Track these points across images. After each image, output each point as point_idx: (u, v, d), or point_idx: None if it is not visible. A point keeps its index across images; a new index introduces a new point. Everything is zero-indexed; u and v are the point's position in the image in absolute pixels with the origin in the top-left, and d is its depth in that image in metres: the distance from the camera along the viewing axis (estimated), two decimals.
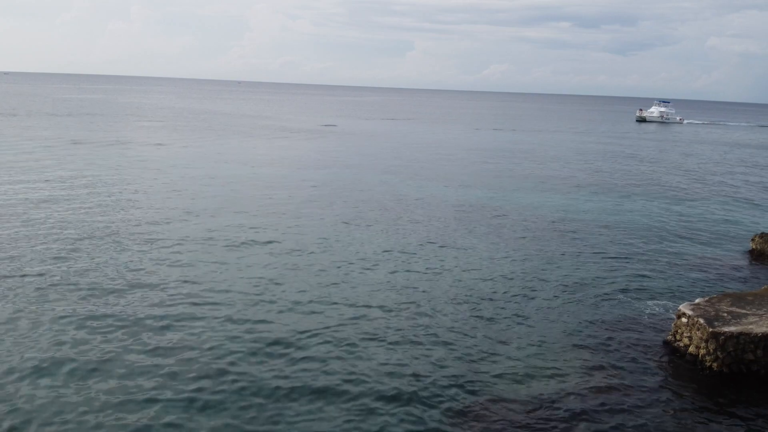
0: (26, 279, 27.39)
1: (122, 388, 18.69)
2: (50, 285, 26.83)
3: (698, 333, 22.24)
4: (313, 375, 20.06)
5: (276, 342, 22.30)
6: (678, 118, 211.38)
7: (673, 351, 23.13)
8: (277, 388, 19.14)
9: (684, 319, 23.13)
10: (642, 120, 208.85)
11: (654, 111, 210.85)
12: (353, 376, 20.12)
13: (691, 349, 22.51)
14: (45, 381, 18.95)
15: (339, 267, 31.32)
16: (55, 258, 30.48)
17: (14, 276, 27.70)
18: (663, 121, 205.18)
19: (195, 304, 25.51)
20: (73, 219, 38.32)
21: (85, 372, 19.51)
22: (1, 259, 29.96)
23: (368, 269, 31.28)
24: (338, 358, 21.37)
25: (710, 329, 21.69)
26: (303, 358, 21.15)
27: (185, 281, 28.11)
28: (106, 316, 23.85)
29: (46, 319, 23.33)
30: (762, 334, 21.23)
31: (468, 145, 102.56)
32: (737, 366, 21.32)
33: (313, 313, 25.22)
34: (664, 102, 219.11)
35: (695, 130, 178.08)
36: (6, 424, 16.63)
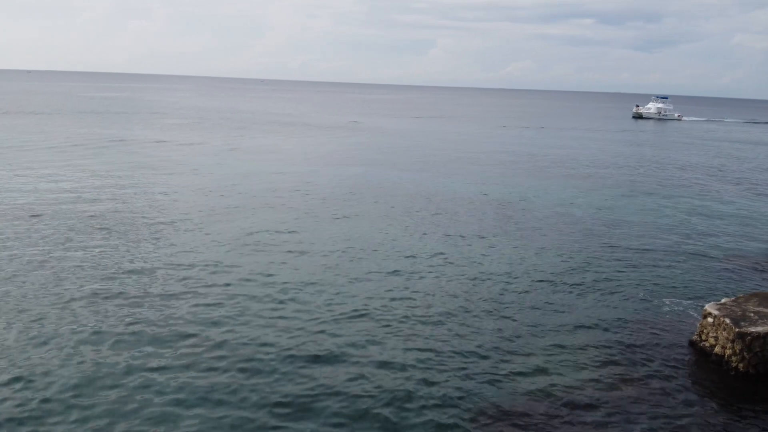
0: (80, 268, 27.96)
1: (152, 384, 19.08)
2: (95, 280, 27.36)
3: (724, 333, 22.09)
4: (331, 370, 20.27)
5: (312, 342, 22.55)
6: (676, 115, 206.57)
7: (698, 351, 22.98)
8: (305, 394, 19.38)
9: (710, 319, 22.97)
10: (638, 116, 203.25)
11: (651, 107, 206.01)
12: (372, 372, 20.31)
13: (717, 349, 22.36)
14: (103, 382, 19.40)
15: (370, 263, 31.54)
16: (101, 252, 31.04)
17: (65, 266, 28.28)
18: (660, 118, 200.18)
19: (242, 299, 25.89)
20: (123, 215, 38.94)
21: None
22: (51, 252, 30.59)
23: (391, 266, 31.39)
24: (360, 355, 21.54)
25: (736, 329, 21.52)
26: (328, 355, 21.37)
27: (229, 276, 28.49)
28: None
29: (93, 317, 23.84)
30: None
31: (497, 142, 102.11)
32: (764, 367, 21.11)
33: (338, 304, 25.46)
34: (662, 98, 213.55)
35: (699, 127, 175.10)
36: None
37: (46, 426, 16.76)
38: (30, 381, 18.85)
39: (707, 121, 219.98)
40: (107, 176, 53.28)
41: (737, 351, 21.46)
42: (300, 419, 17.59)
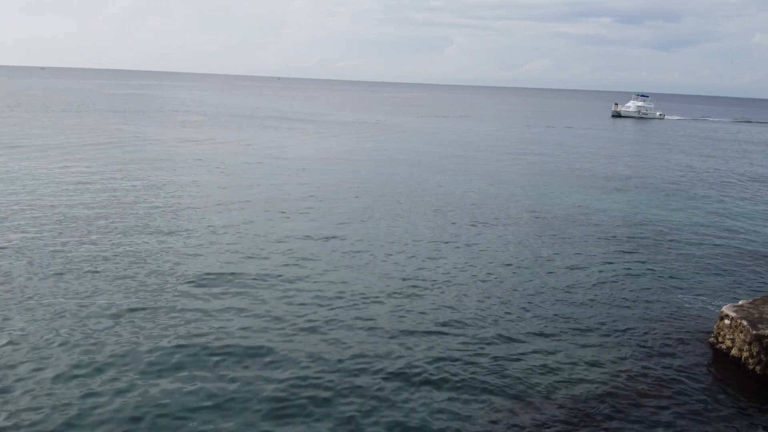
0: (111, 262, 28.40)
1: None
2: (119, 277, 27.78)
3: (741, 335, 21.99)
4: (335, 366, 20.45)
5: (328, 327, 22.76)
6: (658, 113, 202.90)
7: (715, 353, 22.90)
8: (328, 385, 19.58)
9: (726, 321, 22.88)
10: (617, 115, 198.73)
11: (631, 106, 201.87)
12: (385, 367, 20.47)
13: (734, 351, 22.26)
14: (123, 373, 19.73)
15: (389, 260, 31.74)
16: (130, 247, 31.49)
17: (92, 260, 28.71)
18: (640, 117, 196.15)
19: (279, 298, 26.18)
20: (160, 213, 39.44)
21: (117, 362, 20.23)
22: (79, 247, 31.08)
23: (414, 263, 31.56)
24: (375, 351, 21.71)
25: (754, 332, 21.42)
26: (346, 346, 21.56)
27: (261, 271, 28.82)
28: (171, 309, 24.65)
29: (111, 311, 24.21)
30: None
31: (525, 141, 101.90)
32: None
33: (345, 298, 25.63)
34: (643, 96, 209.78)
35: (682, 126, 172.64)
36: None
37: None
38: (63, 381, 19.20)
39: (692, 120, 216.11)
40: (130, 173, 53.89)
41: (754, 353, 21.36)
42: (298, 415, 17.79)
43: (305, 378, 19.65)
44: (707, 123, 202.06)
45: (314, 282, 28.44)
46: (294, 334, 22.76)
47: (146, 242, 33.20)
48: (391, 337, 22.93)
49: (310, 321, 24.02)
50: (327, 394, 18.82)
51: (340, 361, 20.89)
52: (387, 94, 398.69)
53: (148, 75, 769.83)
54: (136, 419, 17.06)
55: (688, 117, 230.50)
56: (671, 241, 39.27)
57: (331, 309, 25.33)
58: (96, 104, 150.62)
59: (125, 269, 28.82)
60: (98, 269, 28.64)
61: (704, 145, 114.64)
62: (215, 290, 26.74)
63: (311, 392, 18.85)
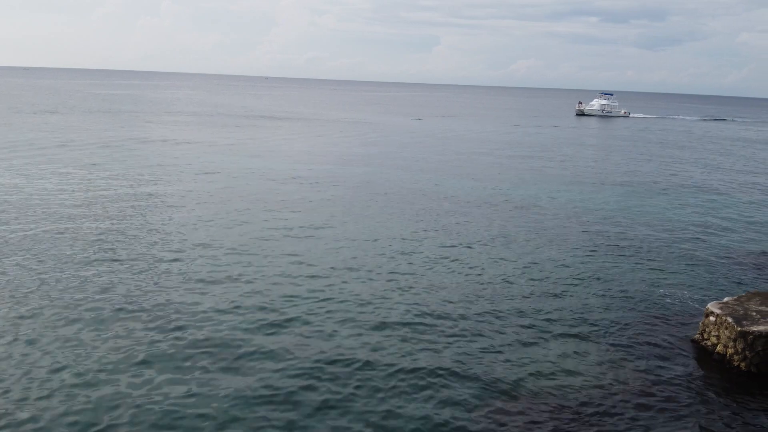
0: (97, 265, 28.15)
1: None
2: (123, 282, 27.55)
3: (726, 332, 22.11)
4: (336, 370, 20.38)
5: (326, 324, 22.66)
6: (622, 111, 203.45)
7: (700, 350, 23.00)
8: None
9: (712, 318, 22.99)
10: (581, 114, 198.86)
11: (594, 104, 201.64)
12: (379, 369, 20.41)
13: (719, 348, 22.38)
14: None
15: (383, 260, 31.68)
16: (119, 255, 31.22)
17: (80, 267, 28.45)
18: (604, 115, 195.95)
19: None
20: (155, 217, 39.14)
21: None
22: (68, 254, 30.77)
23: (399, 266, 31.52)
24: (365, 352, 21.66)
25: (738, 328, 21.54)
26: (328, 348, 21.50)
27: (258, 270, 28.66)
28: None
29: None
30: None
31: (515, 142, 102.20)
32: (765, 366, 21.11)
33: (336, 302, 25.55)
34: (607, 94, 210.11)
35: (645, 123, 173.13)
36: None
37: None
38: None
39: (657, 117, 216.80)
40: (123, 177, 53.49)
41: (739, 350, 21.48)
42: (296, 413, 17.71)
43: (283, 370, 19.61)
44: (672, 120, 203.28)
45: (294, 277, 28.37)
46: (278, 331, 22.69)
47: (120, 241, 32.98)
48: (373, 334, 22.93)
49: (285, 315, 23.97)
50: (302, 390, 18.77)
51: (320, 359, 20.84)
52: (375, 93, 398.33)
53: (136, 75, 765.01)
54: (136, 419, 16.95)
55: (653, 115, 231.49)
56: (655, 238, 39.45)
57: (316, 305, 25.27)
58: (82, 105, 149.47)
59: (106, 269, 28.61)
60: (83, 271, 28.42)
61: (645, 141, 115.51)
62: (199, 286, 26.61)
63: (289, 385, 18.80)
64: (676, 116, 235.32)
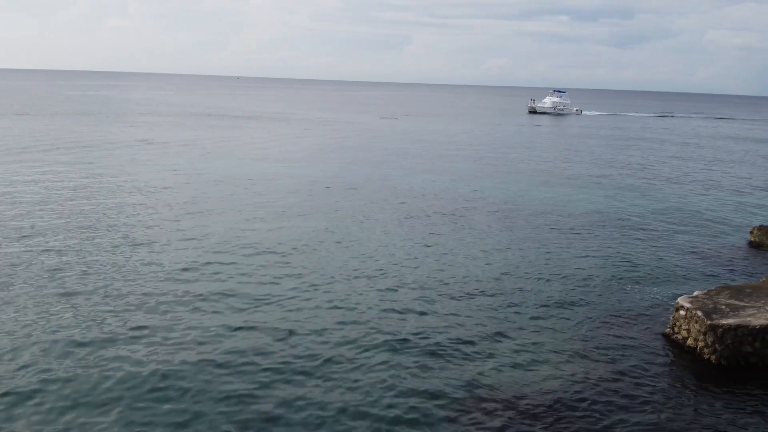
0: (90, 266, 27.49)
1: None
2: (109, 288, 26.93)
3: (696, 325, 22.25)
4: (300, 373, 20.12)
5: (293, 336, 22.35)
6: (574, 109, 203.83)
7: (671, 343, 23.13)
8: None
9: (682, 312, 23.13)
10: (533, 111, 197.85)
11: (546, 102, 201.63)
12: (358, 368, 20.20)
13: (690, 341, 22.52)
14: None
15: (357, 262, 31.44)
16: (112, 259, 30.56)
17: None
18: (556, 113, 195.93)
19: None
20: (135, 220, 38.37)
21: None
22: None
23: (375, 264, 31.32)
24: (340, 354, 21.41)
25: (708, 322, 21.69)
26: (304, 355, 21.22)
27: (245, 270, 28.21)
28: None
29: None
30: (760, 326, 21.22)
31: (491, 140, 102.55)
32: (735, 359, 21.31)
33: (307, 310, 25.28)
34: (559, 92, 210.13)
35: (596, 120, 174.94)
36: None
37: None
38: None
39: (609, 115, 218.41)
40: (96, 176, 52.55)
41: (709, 343, 21.63)
42: (284, 417, 17.43)
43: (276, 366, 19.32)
44: (623, 117, 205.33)
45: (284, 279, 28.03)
46: (248, 334, 22.38)
47: (99, 245, 32.37)
48: (334, 332, 22.68)
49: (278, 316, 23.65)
50: (294, 386, 18.50)
51: (285, 360, 20.58)
52: (349, 93, 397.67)
53: (110, 75, 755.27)
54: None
55: (606, 112, 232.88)
56: (624, 234, 39.73)
57: (308, 304, 24.97)
58: (53, 106, 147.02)
59: (86, 277, 28.02)
60: (59, 277, 27.79)
61: (589, 137, 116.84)
62: (181, 287, 26.16)
63: (277, 384, 18.52)
64: (628, 113, 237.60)
